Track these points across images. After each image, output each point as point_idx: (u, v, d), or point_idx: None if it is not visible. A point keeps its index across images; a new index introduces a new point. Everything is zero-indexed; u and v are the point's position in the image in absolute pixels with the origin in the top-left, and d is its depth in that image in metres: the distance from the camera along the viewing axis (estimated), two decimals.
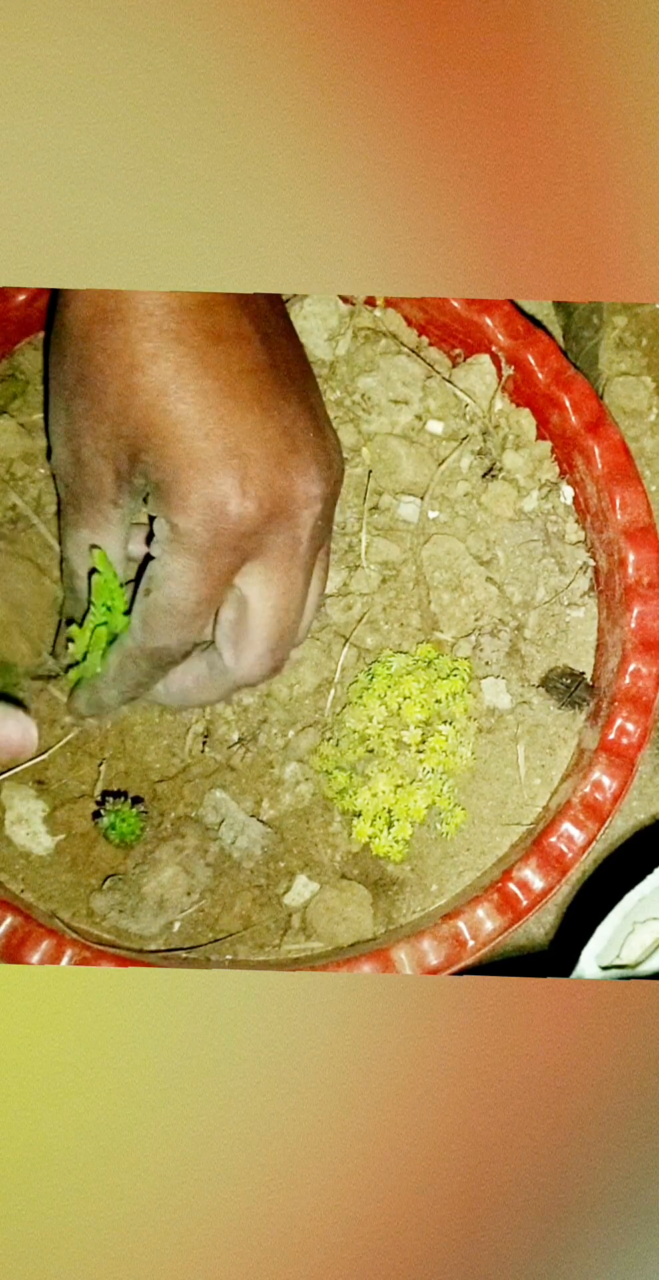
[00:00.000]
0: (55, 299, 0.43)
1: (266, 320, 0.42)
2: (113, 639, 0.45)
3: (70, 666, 0.46)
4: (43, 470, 0.51)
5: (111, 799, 0.46)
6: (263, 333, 0.41)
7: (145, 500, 0.42)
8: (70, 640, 0.46)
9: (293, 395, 0.42)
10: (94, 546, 0.44)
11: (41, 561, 0.49)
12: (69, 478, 0.43)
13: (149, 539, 0.42)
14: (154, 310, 0.39)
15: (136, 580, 0.45)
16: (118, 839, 0.45)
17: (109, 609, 0.45)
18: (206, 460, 0.39)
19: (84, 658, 0.46)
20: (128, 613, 0.45)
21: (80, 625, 0.45)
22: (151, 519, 0.42)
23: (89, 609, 0.45)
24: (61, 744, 0.47)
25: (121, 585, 0.45)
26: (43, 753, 0.47)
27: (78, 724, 0.47)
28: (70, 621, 0.46)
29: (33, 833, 0.46)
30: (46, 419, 0.45)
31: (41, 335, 0.54)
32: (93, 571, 0.45)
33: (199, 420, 0.39)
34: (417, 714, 0.46)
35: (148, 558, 0.42)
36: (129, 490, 0.42)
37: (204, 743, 0.48)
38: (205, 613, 0.42)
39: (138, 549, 0.45)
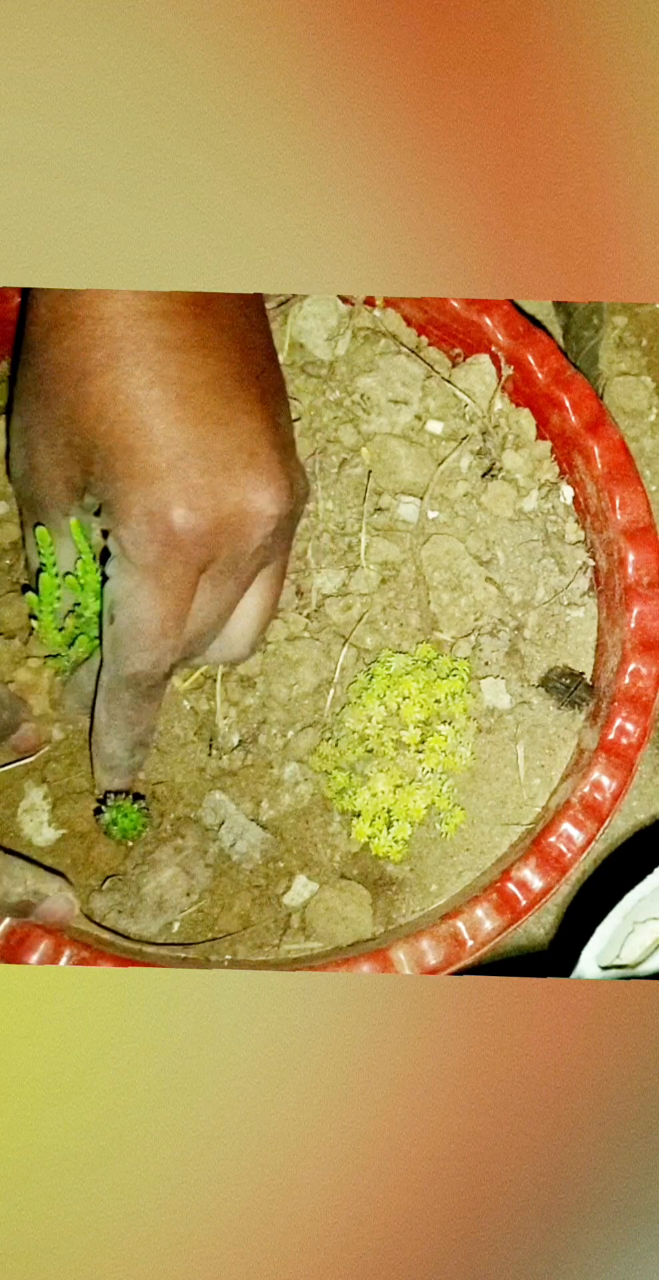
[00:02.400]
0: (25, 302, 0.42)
1: (236, 331, 0.41)
2: (83, 630, 0.46)
3: (49, 656, 0.46)
4: None
5: (113, 796, 0.46)
6: (229, 344, 0.40)
7: (97, 513, 0.41)
8: (32, 616, 0.45)
9: (257, 411, 0.40)
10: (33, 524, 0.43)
11: None
12: (23, 482, 0.42)
13: (104, 559, 0.41)
14: (110, 317, 0.38)
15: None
16: (120, 835, 0.45)
17: (82, 586, 0.44)
18: (150, 471, 0.38)
19: (70, 645, 0.46)
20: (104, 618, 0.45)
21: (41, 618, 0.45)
22: (105, 534, 0.41)
23: (72, 604, 0.45)
24: (50, 746, 0.47)
25: (95, 560, 0.44)
26: (37, 752, 0.47)
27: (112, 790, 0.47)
28: (33, 616, 0.45)
29: (38, 824, 0.46)
30: (7, 422, 0.44)
31: None
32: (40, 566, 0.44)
33: (146, 431, 0.38)
34: (416, 714, 0.46)
35: (104, 579, 0.41)
36: (80, 501, 0.41)
37: (210, 747, 0.48)
38: (173, 630, 0.41)
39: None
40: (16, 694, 0.46)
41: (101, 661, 0.43)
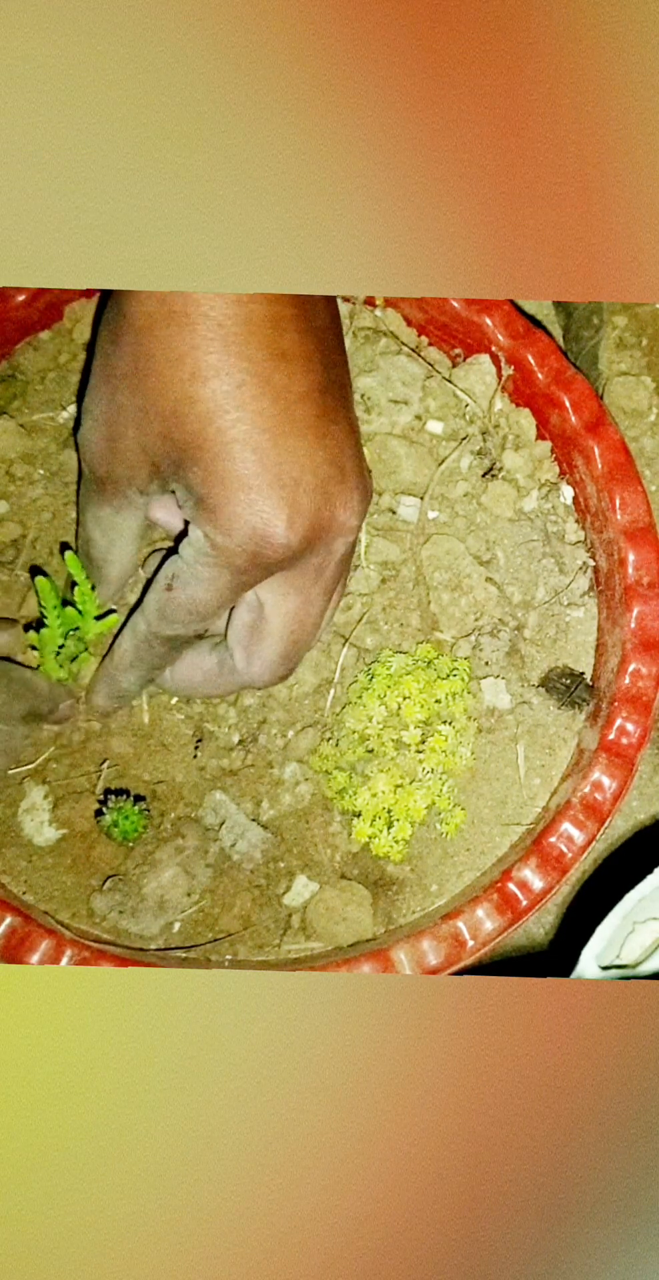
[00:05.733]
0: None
1: (326, 339, 0.42)
2: (84, 647, 0.47)
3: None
4: (42, 471, 0.51)
5: (114, 796, 0.46)
6: (322, 353, 0.41)
7: (172, 492, 0.42)
8: (33, 647, 0.47)
9: (342, 419, 0.42)
10: (66, 547, 0.45)
11: None
12: (99, 459, 0.43)
13: (179, 537, 0.43)
14: (224, 321, 0.38)
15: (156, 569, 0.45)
16: (120, 836, 0.45)
17: (81, 613, 0.46)
18: (258, 486, 0.39)
19: (73, 660, 0.47)
20: (108, 613, 0.47)
21: (41, 628, 0.46)
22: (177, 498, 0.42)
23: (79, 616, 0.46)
24: (54, 748, 0.47)
25: (93, 589, 0.46)
26: (37, 758, 0.47)
27: (100, 718, 0.48)
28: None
29: (39, 824, 0.46)
30: (81, 394, 0.45)
31: (42, 335, 0.54)
32: (72, 583, 0.46)
33: (254, 443, 0.39)
34: (416, 714, 0.46)
35: (170, 551, 0.43)
36: (159, 485, 0.42)
37: (197, 744, 0.48)
38: (224, 611, 0.43)
39: (164, 516, 0.45)
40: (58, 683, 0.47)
41: (133, 612, 0.45)
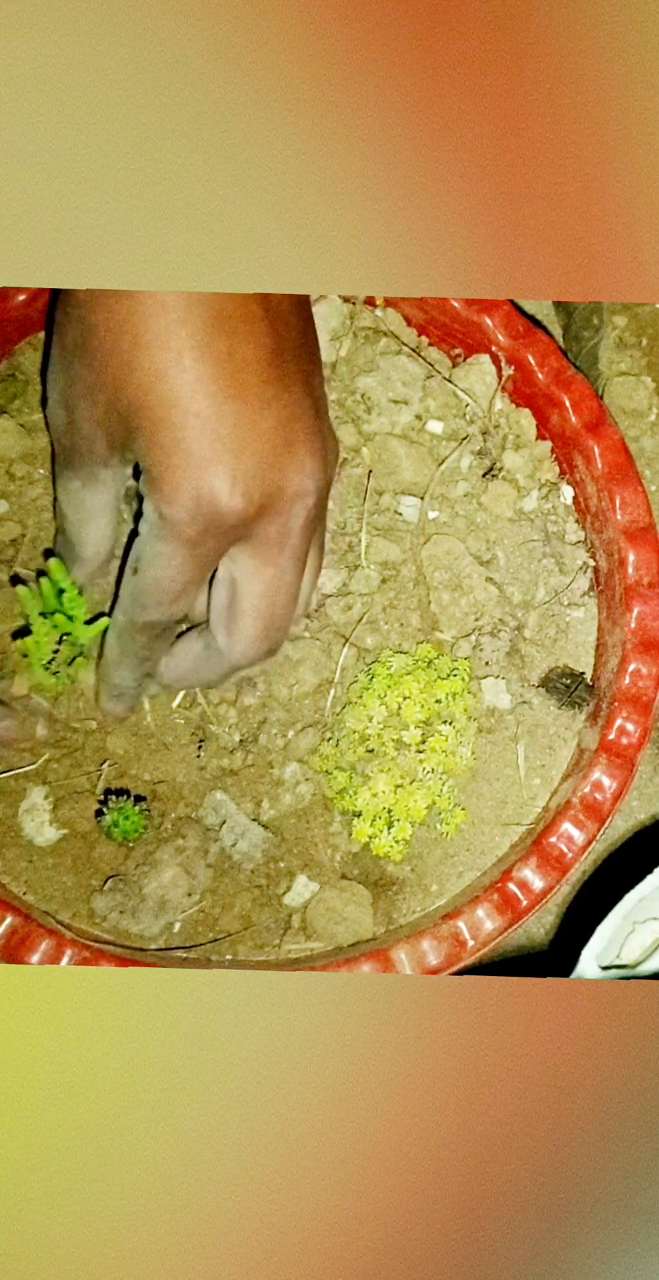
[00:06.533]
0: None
1: (279, 306, 0.41)
2: (78, 652, 0.47)
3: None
4: (43, 470, 0.51)
5: (114, 797, 0.46)
6: (272, 314, 0.41)
7: (135, 471, 0.42)
8: (25, 654, 0.47)
9: (296, 382, 0.41)
10: (49, 553, 0.45)
11: None
12: (62, 434, 0.43)
13: (137, 514, 0.43)
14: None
15: (124, 554, 0.46)
16: (120, 837, 0.45)
17: (71, 619, 0.46)
18: (198, 452, 0.39)
19: (54, 671, 0.47)
20: (99, 617, 0.47)
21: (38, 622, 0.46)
22: (139, 495, 0.42)
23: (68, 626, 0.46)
24: (45, 757, 0.47)
25: (80, 594, 0.46)
26: (38, 759, 0.47)
27: (114, 722, 0.48)
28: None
29: (39, 824, 0.46)
30: (44, 369, 0.45)
31: (41, 335, 0.54)
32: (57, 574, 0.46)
33: (194, 410, 0.39)
34: (416, 714, 0.46)
35: (133, 534, 0.43)
36: (120, 456, 0.42)
37: (200, 745, 0.48)
38: (193, 590, 0.43)
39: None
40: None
41: (114, 604, 0.45)
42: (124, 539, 0.48)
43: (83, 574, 0.47)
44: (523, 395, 0.53)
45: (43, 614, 0.45)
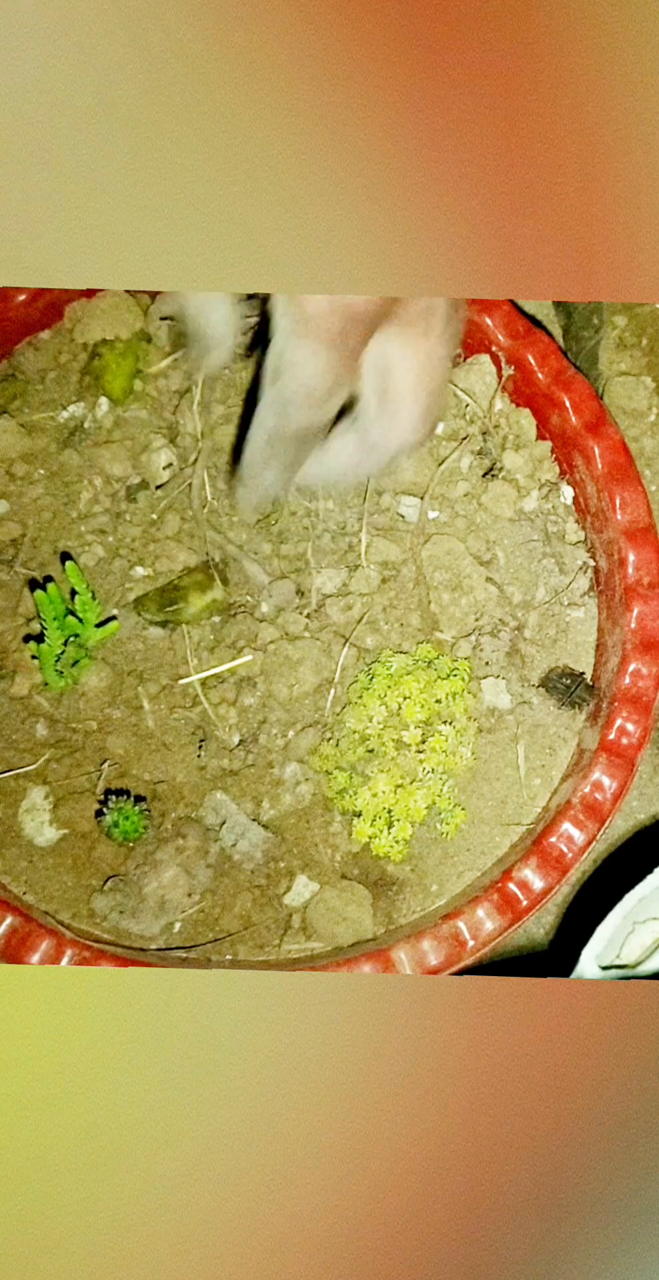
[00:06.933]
0: None
1: None
2: (84, 654, 0.47)
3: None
4: (42, 470, 0.51)
5: (114, 797, 0.46)
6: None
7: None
8: (34, 657, 0.47)
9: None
10: (66, 557, 0.45)
11: None
12: None
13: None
14: None
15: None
16: (121, 837, 0.45)
17: (82, 622, 0.47)
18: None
19: (59, 674, 0.47)
20: (110, 619, 0.47)
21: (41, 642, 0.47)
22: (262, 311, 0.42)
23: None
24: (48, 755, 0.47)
25: (93, 598, 0.47)
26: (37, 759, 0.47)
27: (250, 516, 0.48)
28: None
29: (39, 824, 0.46)
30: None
31: (42, 335, 0.54)
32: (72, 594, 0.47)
33: None
34: (417, 714, 0.46)
35: (263, 350, 0.43)
36: None
37: (201, 745, 0.48)
38: (340, 391, 0.42)
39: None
40: None
41: (255, 417, 0.44)
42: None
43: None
44: (523, 395, 0.53)
45: (55, 617, 0.46)
